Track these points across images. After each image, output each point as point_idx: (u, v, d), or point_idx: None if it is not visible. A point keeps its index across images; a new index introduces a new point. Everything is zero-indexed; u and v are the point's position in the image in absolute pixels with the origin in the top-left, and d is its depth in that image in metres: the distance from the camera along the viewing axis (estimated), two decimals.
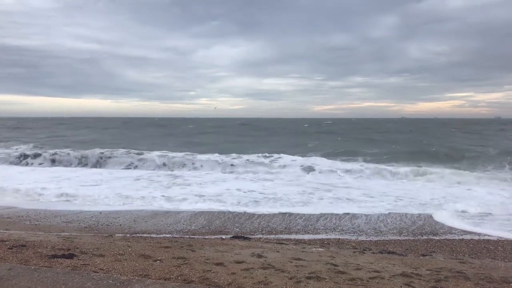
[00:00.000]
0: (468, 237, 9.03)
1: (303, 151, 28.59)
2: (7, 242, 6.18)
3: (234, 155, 23.77)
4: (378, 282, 4.78)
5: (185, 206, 12.08)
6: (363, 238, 8.88)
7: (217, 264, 5.37)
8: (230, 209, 11.68)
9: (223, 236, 8.58)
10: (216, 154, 24.06)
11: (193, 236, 8.52)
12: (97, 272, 4.57)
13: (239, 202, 12.55)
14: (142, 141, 39.91)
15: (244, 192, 14.32)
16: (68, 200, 12.69)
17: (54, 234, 7.86)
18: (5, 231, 7.88)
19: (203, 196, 13.47)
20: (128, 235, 8.35)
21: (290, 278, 4.75)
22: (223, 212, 11.28)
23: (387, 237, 9.01)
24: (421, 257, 7.11)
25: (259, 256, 6.04)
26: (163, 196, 13.39)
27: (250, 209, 11.58)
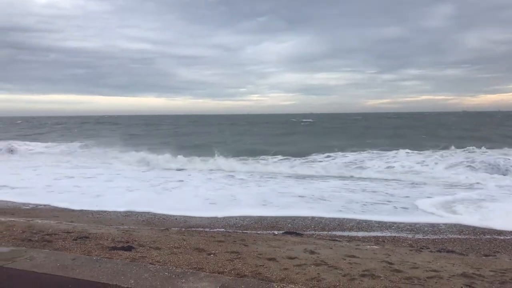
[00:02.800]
0: None
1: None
2: (71, 234, 6.55)
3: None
4: (436, 282, 4.59)
5: None
6: (420, 236, 8.56)
7: (270, 259, 5.39)
8: None
9: (275, 232, 8.60)
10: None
11: (245, 231, 8.60)
12: (154, 264, 4.73)
13: None
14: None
15: None
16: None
17: (114, 227, 8.23)
18: (70, 223, 8.36)
19: None
20: (183, 229, 8.57)
21: (344, 275, 4.68)
22: None
23: (446, 235, 8.62)
24: (484, 257, 6.74)
25: (312, 252, 6.00)
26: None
27: None
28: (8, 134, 49.71)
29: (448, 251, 7.10)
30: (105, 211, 10.73)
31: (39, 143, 34.58)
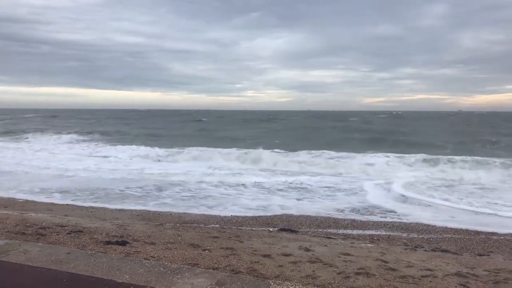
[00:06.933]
0: None
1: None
2: (66, 227, 6.51)
3: None
4: (431, 281, 4.61)
5: None
6: (414, 235, 8.59)
7: (265, 256, 5.38)
8: None
9: (271, 229, 8.60)
10: None
11: (240, 227, 8.60)
12: (149, 260, 4.71)
13: None
14: None
15: None
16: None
17: (109, 221, 8.19)
18: (64, 216, 8.31)
19: None
20: (178, 224, 8.55)
21: (339, 273, 4.68)
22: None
23: (441, 234, 8.66)
24: (478, 256, 6.78)
25: (307, 249, 6.00)
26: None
27: None
28: None
29: (442, 250, 7.13)
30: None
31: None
